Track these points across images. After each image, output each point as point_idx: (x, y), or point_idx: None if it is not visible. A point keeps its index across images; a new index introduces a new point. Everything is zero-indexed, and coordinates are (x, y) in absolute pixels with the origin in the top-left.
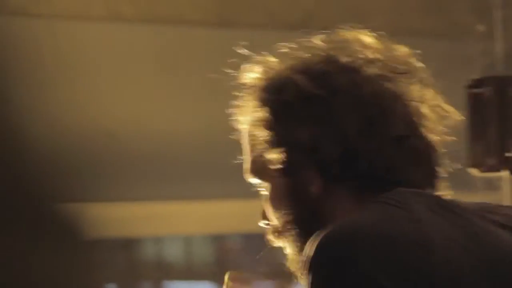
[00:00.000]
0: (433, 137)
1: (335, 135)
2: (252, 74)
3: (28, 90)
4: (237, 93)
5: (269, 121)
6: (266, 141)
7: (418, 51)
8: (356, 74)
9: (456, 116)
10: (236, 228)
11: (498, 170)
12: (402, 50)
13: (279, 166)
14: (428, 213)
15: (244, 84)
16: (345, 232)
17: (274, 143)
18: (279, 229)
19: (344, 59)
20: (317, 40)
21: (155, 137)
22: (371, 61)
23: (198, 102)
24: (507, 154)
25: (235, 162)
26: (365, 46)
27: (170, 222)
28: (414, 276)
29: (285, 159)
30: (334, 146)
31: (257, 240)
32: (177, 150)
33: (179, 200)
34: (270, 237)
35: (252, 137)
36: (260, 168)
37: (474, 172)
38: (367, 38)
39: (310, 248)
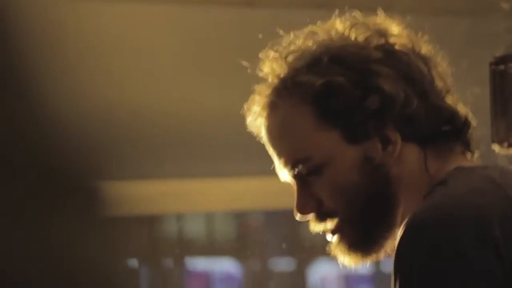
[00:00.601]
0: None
1: (417, 89)
2: (290, 56)
3: (54, 70)
4: (261, 71)
5: (338, 85)
6: (331, 109)
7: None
8: (385, 44)
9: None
10: (258, 205)
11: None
12: (426, 47)
13: (349, 132)
14: (507, 179)
15: (279, 65)
16: (440, 213)
17: (344, 107)
18: (330, 211)
19: (387, 37)
20: (346, 23)
21: (177, 115)
22: (403, 44)
23: (221, 81)
24: None
25: (255, 140)
26: (394, 34)
27: (192, 199)
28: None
29: (360, 122)
30: (419, 100)
31: (278, 216)
32: (199, 129)
33: (202, 177)
34: (315, 224)
35: (294, 115)
36: (308, 149)
37: (497, 148)
38: (395, 26)
39: (404, 233)
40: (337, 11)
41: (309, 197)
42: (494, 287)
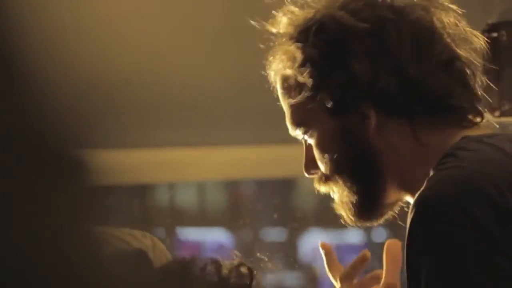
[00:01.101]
0: (473, 60)
1: (390, 65)
2: (284, 18)
3: (44, 37)
4: (259, 42)
5: (314, 62)
6: (312, 84)
7: None
8: (394, 5)
9: (482, 41)
10: (249, 175)
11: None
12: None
13: (328, 107)
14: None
15: (276, 29)
16: (452, 186)
17: (321, 84)
18: (328, 174)
19: None
20: None
21: (169, 83)
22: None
23: (214, 48)
24: None
25: (249, 108)
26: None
27: (183, 168)
28: None
29: (335, 99)
30: (391, 76)
31: (270, 186)
32: (190, 97)
33: (193, 146)
34: (317, 184)
35: (292, 82)
36: (304, 115)
37: (489, 116)
38: None
39: (415, 211)
40: None
41: (310, 158)
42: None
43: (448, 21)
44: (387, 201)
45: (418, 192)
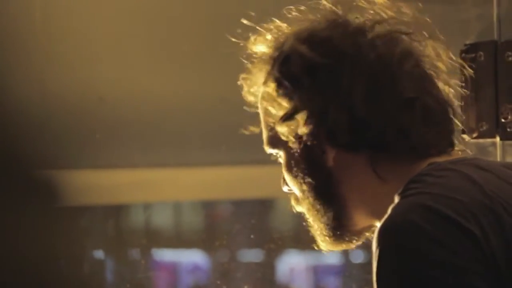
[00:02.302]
0: (449, 90)
1: (342, 103)
2: (258, 45)
3: (15, 53)
4: (236, 62)
5: (278, 93)
6: (277, 113)
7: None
8: (362, 37)
9: (466, 70)
10: (226, 195)
11: (490, 136)
12: (409, 6)
13: (291, 137)
14: (480, 174)
15: (251, 55)
16: (416, 213)
17: (284, 115)
18: (298, 196)
19: (350, 21)
20: (326, 1)
21: (145, 102)
22: (379, 21)
23: (189, 67)
24: (501, 121)
25: (225, 129)
26: (373, 3)
27: (159, 188)
28: (492, 237)
29: (296, 130)
30: (341, 114)
31: (247, 207)
32: (167, 116)
33: (169, 166)
34: (293, 203)
35: (263, 109)
36: (274, 139)
37: (467, 138)
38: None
39: (379, 240)
40: None
41: (283, 176)
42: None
43: (429, 52)
44: (355, 227)
45: (382, 220)
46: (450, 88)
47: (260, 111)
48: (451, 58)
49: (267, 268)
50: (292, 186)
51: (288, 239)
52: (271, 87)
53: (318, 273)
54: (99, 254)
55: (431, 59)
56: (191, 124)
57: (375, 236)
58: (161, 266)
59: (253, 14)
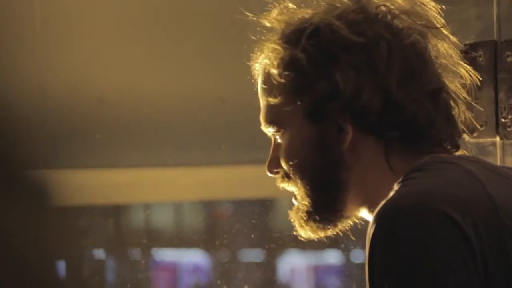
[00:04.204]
0: (459, 93)
1: (378, 85)
2: (280, 14)
3: (15, 54)
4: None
5: (301, 66)
6: (295, 87)
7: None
8: (392, 25)
9: (475, 76)
10: (226, 195)
11: (490, 136)
12: (431, 5)
13: (307, 113)
14: (483, 171)
15: (270, 24)
16: (414, 203)
17: (304, 90)
18: (290, 175)
19: (377, 8)
20: None
21: (144, 102)
22: (403, 13)
23: (189, 68)
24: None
25: (225, 129)
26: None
27: (159, 188)
28: (486, 237)
29: (315, 106)
30: (375, 95)
31: (247, 206)
32: (167, 116)
33: (169, 166)
34: (279, 182)
35: (275, 81)
36: (280, 115)
37: (466, 137)
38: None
39: (376, 222)
40: None
41: (275, 156)
42: (465, 284)
43: (443, 51)
44: (343, 213)
45: (380, 205)
46: (461, 93)
47: (268, 81)
48: (460, 59)
49: (268, 268)
50: (288, 165)
51: (288, 239)
52: (295, 56)
53: (318, 273)
54: (99, 254)
55: (445, 57)
56: (191, 124)
57: (372, 218)
58: (162, 266)
59: (247, 14)
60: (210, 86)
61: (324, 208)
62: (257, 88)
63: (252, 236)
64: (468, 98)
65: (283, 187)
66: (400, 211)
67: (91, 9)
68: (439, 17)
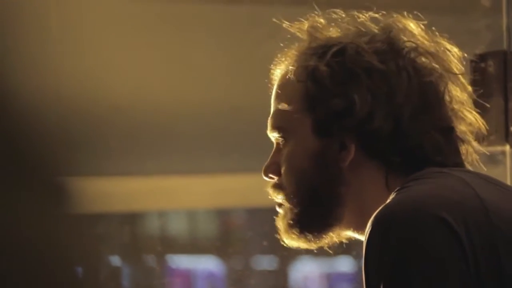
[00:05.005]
0: (468, 137)
1: (392, 112)
2: (310, 27)
3: (32, 61)
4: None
5: (323, 77)
6: (311, 95)
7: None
8: (415, 61)
9: (482, 125)
10: (240, 203)
11: (500, 144)
12: (454, 51)
13: (314, 125)
14: (474, 179)
15: (298, 33)
16: (406, 208)
17: (318, 103)
18: (283, 184)
19: (404, 44)
20: (367, 19)
21: (159, 110)
22: (428, 53)
23: (203, 76)
24: (510, 129)
25: (238, 136)
26: (418, 36)
27: (174, 196)
28: (477, 238)
29: (324, 120)
30: (388, 122)
31: (260, 214)
32: (181, 124)
33: (183, 174)
34: (270, 189)
35: (291, 89)
36: (288, 122)
37: (476, 146)
38: (418, 28)
39: (372, 226)
40: (316, 8)
41: (274, 162)
42: (459, 284)
43: (456, 97)
44: (332, 230)
45: (376, 211)
46: (470, 138)
47: (284, 86)
48: (471, 108)
49: (280, 276)
50: (287, 174)
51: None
52: (321, 70)
53: (331, 280)
54: (115, 261)
55: (457, 103)
56: (205, 132)
57: (368, 223)
58: (176, 272)
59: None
60: (224, 94)
61: (313, 221)
62: (272, 94)
63: (265, 243)
64: (475, 145)
65: (270, 195)
66: (394, 214)
67: (107, 18)
68: (459, 64)
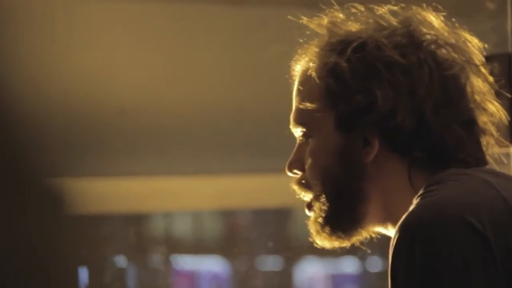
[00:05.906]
0: (489, 128)
1: (414, 107)
2: (330, 23)
3: (38, 65)
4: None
5: (343, 76)
6: (331, 95)
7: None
8: (436, 54)
9: (504, 116)
10: (245, 204)
11: (505, 146)
12: (474, 42)
13: (337, 121)
14: (497, 180)
15: (318, 29)
16: (434, 212)
17: (340, 99)
18: (309, 181)
19: (424, 36)
20: (386, 12)
21: (165, 112)
22: (448, 45)
23: (209, 77)
24: None
25: (243, 138)
26: (438, 28)
27: (179, 197)
28: (504, 239)
29: (347, 117)
30: (410, 117)
31: (265, 215)
32: (187, 125)
33: (189, 175)
34: (294, 184)
35: (313, 85)
36: (311, 118)
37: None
38: (438, 20)
39: (399, 232)
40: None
41: (298, 158)
42: (488, 285)
43: (478, 88)
44: (359, 224)
45: (402, 218)
46: (490, 129)
47: (307, 83)
48: (492, 98)
49: (285, 276)
50: (311, 170)
51: (306, 247)
52: (342, 66)
53: (336, 281)
54: (120, 261)
55: (479, 94)
56: (210, 133)
57: (395, 230)
58: (181, 273)
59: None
60: (228, 96)
61: (341, 217)
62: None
63: (270, 244)
64: (496, 134)
65: (298, 195)
66: (421, 220)
67: (113, 21)
68: (480, 54)
